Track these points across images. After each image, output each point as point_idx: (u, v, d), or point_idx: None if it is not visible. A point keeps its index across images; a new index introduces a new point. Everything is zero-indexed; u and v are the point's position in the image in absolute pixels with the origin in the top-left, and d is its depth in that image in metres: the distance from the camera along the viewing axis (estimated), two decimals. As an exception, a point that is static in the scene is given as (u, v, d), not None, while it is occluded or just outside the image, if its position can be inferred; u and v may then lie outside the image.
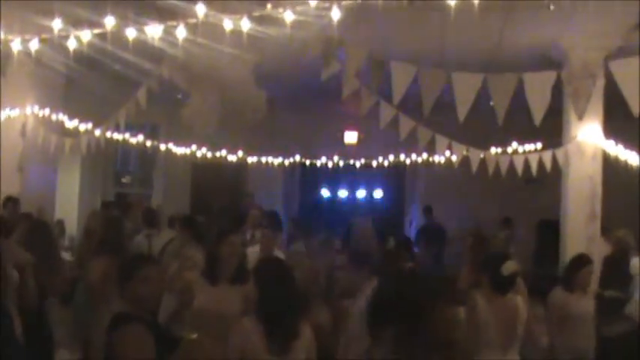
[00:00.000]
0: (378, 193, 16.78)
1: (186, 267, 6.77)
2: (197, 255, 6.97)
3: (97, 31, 5.52)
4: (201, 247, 7.47)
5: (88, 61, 7.31)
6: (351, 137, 16.01)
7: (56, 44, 6.08)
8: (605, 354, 7.80)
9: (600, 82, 7.60)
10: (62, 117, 11.12)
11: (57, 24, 5.59)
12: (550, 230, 10.92)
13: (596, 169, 9.64)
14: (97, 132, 10.86)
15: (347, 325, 5.45)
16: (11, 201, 10.35)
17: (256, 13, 5.18)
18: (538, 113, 6.44)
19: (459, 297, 2.62)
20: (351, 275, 6.04)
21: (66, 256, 12.37)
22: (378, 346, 2.50)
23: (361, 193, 16.60)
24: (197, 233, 8.59)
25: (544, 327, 8.57)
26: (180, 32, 5.37)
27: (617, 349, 7.79)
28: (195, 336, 5.17)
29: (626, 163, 10.25)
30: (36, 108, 11.01)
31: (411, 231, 15.98)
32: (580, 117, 6.86)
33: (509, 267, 6.13)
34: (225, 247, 6.10)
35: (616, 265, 8.36)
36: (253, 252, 8.92)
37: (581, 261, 7.56)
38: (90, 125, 11.01)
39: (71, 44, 5.71)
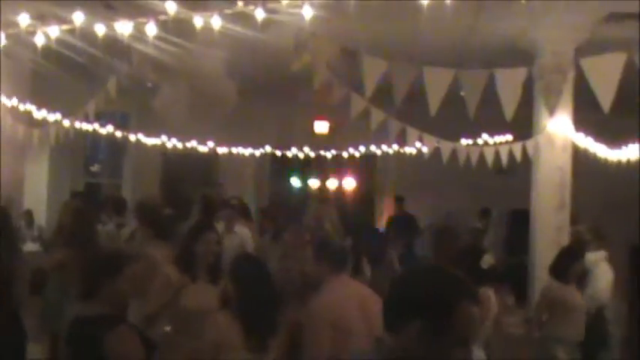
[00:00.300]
0: (349, 184, 16.77)
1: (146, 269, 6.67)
2: (157, 255, 6.87)
3: (65, 27, 5.44)
4: (164, 244, 7.36)
5: (56, 54, 7.20)
6: (321, 127, 15.99)
7: (23, 40, 5.99)
8: None
9: (570, 75, 7.63)
10: (30, 107, 10.97)
11: (24, 19, 5.51)
12: (521, 220, 10.97)
13: (565, 161, 9.70)
14: (66, 122, 10.74)
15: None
16: None
17: (228, 11, 5.14)
18: (509, 109, 6.48)
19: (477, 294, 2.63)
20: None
21: (34, 246, 12.32)
22: (396, 342, 2.45)
23: (332, 184, 16.58)
24: (160, 229, 8.40)
25: (515, 317, 8.69)
26: (151, 29, 5.31)
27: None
28: (168, 329, 5.16)
29: (595, 156, 10.33)
30: (3, 98, 10.84)
31: (382, 221, 16.03)
32: (551, 113, 6.92)
33: (487, 260, 6.22)
34: (201, 244, 6.04)
35: (571, 258, 8.46)
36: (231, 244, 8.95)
37: (576, 253, 7.85)
38: (59, 115, 10.88)
39: (39, 40, 5.63)
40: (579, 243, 8.72)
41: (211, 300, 5.70)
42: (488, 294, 6.63)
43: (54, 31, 5.54)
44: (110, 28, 5.42)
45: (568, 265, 7.62)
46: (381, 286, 5.46)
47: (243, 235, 9.63)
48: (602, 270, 8.43)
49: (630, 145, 9.81)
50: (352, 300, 5.07)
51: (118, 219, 10.28)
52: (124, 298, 4.55)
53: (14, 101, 10.86)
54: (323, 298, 5.06)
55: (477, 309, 2.55)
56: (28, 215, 13.33)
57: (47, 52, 6.43)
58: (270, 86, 13.73)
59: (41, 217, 13.99)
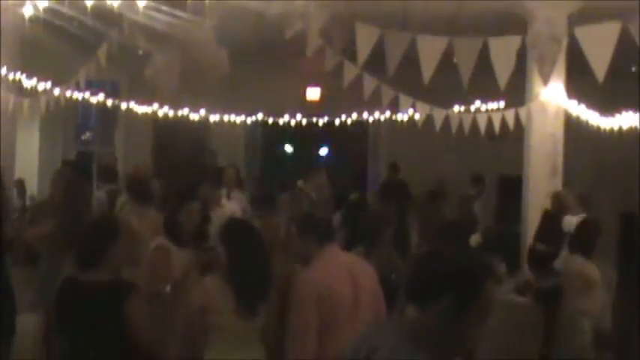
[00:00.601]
0: (342, 151, 16.75)
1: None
2: (144, 225, 6.93)
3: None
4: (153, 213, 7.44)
5: (45, 23, 7.13)
6: (313, 94, 15.92)
7: (11, 11, 5.92)
8: (543, 304, 8.05)
9: (563, 42, 7.59)
10: (20, 76, 10.86)
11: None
12: (512, 186, 11.00)
13: (558, 128, 9.71)
14: (57, 91, 10.66)
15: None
16: None
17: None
18: (503, 77, 6.46)
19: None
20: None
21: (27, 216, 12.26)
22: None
23: (324, 151, 16.58)
24: (147, 200, 8.43)
25: (506, 286, 8.73)
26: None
27: (550, 300, 7.99)
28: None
29: (587, 123, 10.32)
30: (-7, 67, 10.75)
31: (375, 188, 16.02)
32: (545, 82, 6.89)
33: (475, 240, 6.29)
34: (184, 213, 6.08)
35: (552, 221, 8.52)
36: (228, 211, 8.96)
37: (597, 227, 7.90)
38: (49, 84, 10.79)
39: (27, 11, 5.57)
40: (559, 207, 8.74)
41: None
42: None
43: (42, 2, 5.48)
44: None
45: (590, 239, 7.69)
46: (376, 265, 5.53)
47: (239, 202, 9.66)
48: None
49: (623, 113, 9.80)
50: (340, 271, 4.99)
51: (109, 186, 10.22)
52: (123, 263, 4.61)
53: (3, 70, 10.77)
54: (309, 273, 5.02)
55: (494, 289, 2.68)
56: (20, 184, 13.29)
57: (36, 21, 6.38)
58: (262, 53, 13.63)
59: (33, 187, 13.95)
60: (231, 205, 9.49)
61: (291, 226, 6.23)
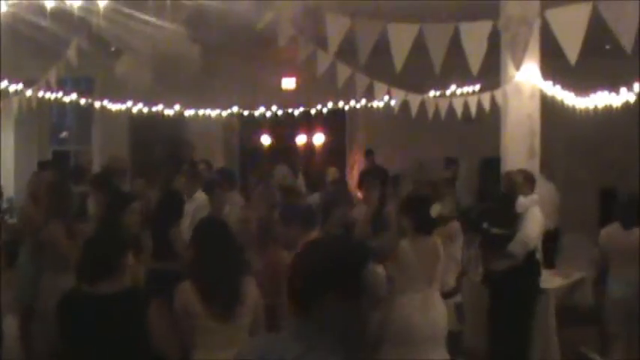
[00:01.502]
0: (319, 139, 16.70)
1: None
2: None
3: (12, 1, 5.29)
4: None
5: (8, 29, 7.03)
6: (288, 83, 15.88)
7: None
8: (492, 287, 8.10)
9: (537, 23, 7.56)
10: (-10, 79, 10.76)
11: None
12: (493, 168, 10.98)
13: (534, 109, 9.69)
14: (29, 92, 10.56)
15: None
16: None
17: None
18: (475, 62, 6.42)
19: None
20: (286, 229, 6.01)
21: (5, 218, 12.17)
22: (312, 321, 2.47)
23: (301, 140, 16.51)
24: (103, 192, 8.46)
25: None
26: (102, 1, 5.17)
27: (503, 283, 8.03)
28: None
29: (562, 103, 10.32)
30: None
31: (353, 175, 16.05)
32: (517, 67, 6.87)
33: (436, 209, 6.42)
34: (128, 215, 6.06)
35: (505, 203, 8.53)
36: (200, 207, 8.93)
37: (510, 198, 8.16)
38: (20, 85, 10.68)
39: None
40: (511, 188, 8.75)
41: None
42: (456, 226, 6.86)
43: (2, 5, 5.39)
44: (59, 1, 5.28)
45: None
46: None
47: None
48: (533, 214, 8.32)
49: (598, 93, 9.79)
50: None
51: (79, 187, 10.08)
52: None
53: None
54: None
55: (381, 268, 2.64)
56: (-3, 187, 13.17)
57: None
58: (234, 46, 13.57)
59: (9, 188, 13.82)
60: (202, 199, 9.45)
61: (275, 215, 6.28)
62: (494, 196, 9.08)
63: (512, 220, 8.25)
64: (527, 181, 8.62)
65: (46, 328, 6.35)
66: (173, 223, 7.08)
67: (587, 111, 10.01)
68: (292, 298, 2.54)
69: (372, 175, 11.99)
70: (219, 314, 4.60)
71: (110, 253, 4.57)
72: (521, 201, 8.38)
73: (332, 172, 13.37)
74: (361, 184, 12.91)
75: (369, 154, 15.13)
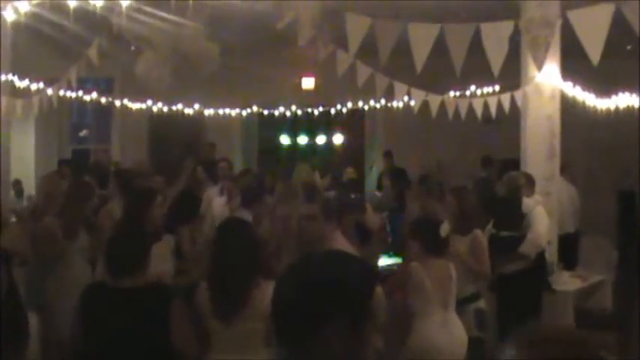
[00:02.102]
0: (338, 139, 16.70)
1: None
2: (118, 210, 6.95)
3: (35, 1, 5.32)
4: None
5: (29, 27, 7.07)
6: (308, 83, 15.89)
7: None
8: (503, 291, 8.05)
9: (557, 24, 7.52)
10: (12, 77, 10.80)
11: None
12: (512, 169, 10.93)
13: (554, 110, 9.66)
14: (49, 91, 10.60)
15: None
16: None
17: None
18: (496, 63, 6.39)
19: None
20: (319, 225, 6.04)
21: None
22: (299, 352, 2.11)
23: (321, 139, 16.53)
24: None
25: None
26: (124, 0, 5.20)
27: (514, 286, 8.00)
28: None
29: (583, 104, 10.28)
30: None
31: (372, 175, 16.04)
32: (539, 68, 6.82)
33: (445, 229, 6.40)
34: (152, 209, 6.07)
35: (509, 205, 8.52)
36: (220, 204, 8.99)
37: (513, 200, 8.33)
38: (41, 84, 10.73)
39: (8, 15, 5.52)
40: (514, 190, 8.72)
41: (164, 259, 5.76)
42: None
43: (23, 5, 5.42)
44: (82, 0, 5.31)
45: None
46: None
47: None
48: (538, 214, 8.41)
49: (619, 94, 9.75)
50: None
51: (100, 191, 10.10)
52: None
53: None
54: None
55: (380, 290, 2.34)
56: (18, 185, 13.25)
57: (18, 26, 6.32)
58: (254, 45, 13.58)
59: (30, 187, 13.89)
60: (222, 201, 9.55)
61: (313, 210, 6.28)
62: (499, 199, 9.06)
63: (519, 222, 8.26)
64: (529, 182, 8.69)
65: (56, 324, 6.42)
66: (184, 222, 7.07)
67: (607, 112, 9.96)
68: (282, 326, 2.16)
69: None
70: (223, 315, 4.60)
71: (133, 248, 4.63)
72: (526, 202, 8.41)
73: (349, 172, 13.38)
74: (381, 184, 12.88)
75: (387, 155, 15.10)
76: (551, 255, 9.02)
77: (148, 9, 5.86)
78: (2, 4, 5.63)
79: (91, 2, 5.17)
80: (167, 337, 4.40)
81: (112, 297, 4.53)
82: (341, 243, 5.69)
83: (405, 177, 13.85)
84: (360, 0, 8.34)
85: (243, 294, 4.59)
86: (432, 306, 6.06)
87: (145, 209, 6.13)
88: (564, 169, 10.56)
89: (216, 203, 9.62)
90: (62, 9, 5.81)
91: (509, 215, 8.38)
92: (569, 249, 10.40)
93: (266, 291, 4.66)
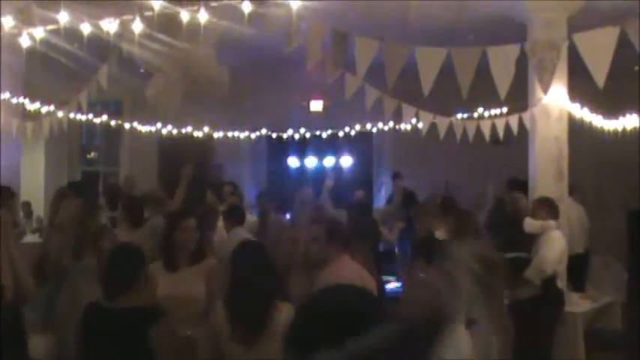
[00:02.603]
0: (346, 161, 16.72)
1: None
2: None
3: (50, 27, 5.40)
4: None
5: (43, 54, 7.16)
6: (316, 106, 15.96)
7: (8, 42, 5.96)
8: (516, 317, 7.98)
9: (564, 46, 7.57)
10: (23, 100, 10.92)
11: (8, 21, 5.46)
12: (516, 188, 10.93)
13: (561, 131, 9.68)
14: (60, 114, 10.71)
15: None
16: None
17: (214, 4, 5.09)
18: (503, 86, 6.44)
19: None
20: (325, 247, 6.04)
21: (33, 238, 12.30)
22: None
23: (329, 162, 16.54)
24: (134, 216, 8.61)
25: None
26: (137, 26, 5.27)
27: (526, 313, 7.91)
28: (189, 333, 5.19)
29: (591, 125, 10.30)
30: (-5, 93, 10.80)
31: (381, 196, 16.03)
32: (545, 90, 6.87)
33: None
34: (180, 233, 6.02)
35: (514, 227, 8.45)
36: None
37: (517, 221, 8.26)
38: (52, 107, 10.84)
39: (24, 42, 5.60)
40: (517, 211, 8.68)
41: (194, 286, 5.75)
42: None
43: (39, 31, 5.51)
44: (96, 27, 5.39)
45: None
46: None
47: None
48: (549, 239, 8.18)
49: (627, 115, 9.77)
50: (355, 276, 5.37)
51: (111, 213, 10.19)
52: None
53: (7, 95, 10.81)
54: (331, 273, 5.25)
55: None
56: (27, 207, 13.31)
57: (33, 51, 6.41)
58: (263, 68, 13.67)
59: (39, 208, 13.97)
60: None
61: (318, 231, 6.27)
62: (504, 220, 9.04)
63: (524, 242, 8.20)
64: (544, 207, 8.48)
65: (65, 345, 6.46)
66: None
67: (615, 133, 9.98)
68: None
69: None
70: (242, 338, 4.61)
71: (127, 269, 4.66)
72: (528, 222, 8.31)
73: (358, 195, 13.38)
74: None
75: (396, 176, 15.07)
76: (563, 280, 8.64)
77: (159, 34, 5.92)
78: (18, 31, 5.72)
79: (104, 28, 5.24)
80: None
81: (106, 317, 4.58)
82: (348, 266, 5.67)
83: (414, 199, 13.87)
84: (367, 23, 8.43)
85: (264, 316, 4.59)
86: None
87: (171, 234, 6.11)
88: (573, 190, 10.55)
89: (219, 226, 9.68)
90: (73, 34, 5.88)
91: (511, 236, 8.36)
92: (578, 270, 10.36)
93: (283, 312, 4.70)
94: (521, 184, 10.42)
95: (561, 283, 8.35)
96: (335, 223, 6.15)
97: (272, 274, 4.86)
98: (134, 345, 4.43)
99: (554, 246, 8.16)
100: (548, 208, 8.43)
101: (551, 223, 8.27)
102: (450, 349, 6.06)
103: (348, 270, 5.49)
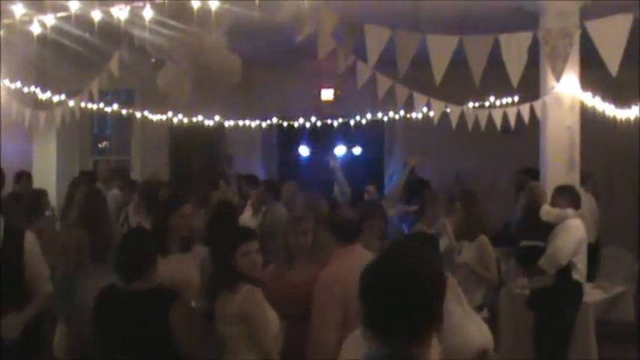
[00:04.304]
0: (358, 150, 16.70)
1: None
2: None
3: (60, 14, 5.41)
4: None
5: (54, 41, 7.17)
6: (327, 94, 15.94)
7: (19, 29, 5.97)
8: (534, 306, 7.96)
9: (576, 34, 7.52)
10: (35, 89, 10.96)
11: (19, 9, 5.47)
12: (529, 177, 10.89)
13: (573, 120, 9.64)
14: (71, 103, 10.73)
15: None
16: (25, 175, 10.43)
17: (225, -10, 5.09)
18: (515, 74, 6.40)
19: None
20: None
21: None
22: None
23: (340, 150, 16.50)
24: (149, 202, 8.66)
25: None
26: (147, 13, 5.28)
27: (541, 302, 7.91)
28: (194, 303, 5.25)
29: (603, 114, 10.25)
30: (7, 81, 10.84)
31: (391, 185, 15.99)
32: (557, 78, 6.84)
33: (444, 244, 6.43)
34: (177, 218, 6.04)
35: (531, 216, 8.40)
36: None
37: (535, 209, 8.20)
38: (63, 96, 10.87)
39: (35, 29, 5.61)
40: (535, 200, 8.63)
41: (185, 272, 5.77)
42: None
43: (49, 19, 5.51)
44: (106, 13, 5.39)
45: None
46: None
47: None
48: (564, 228, 8.06)
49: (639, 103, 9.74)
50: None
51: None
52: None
53: (18, 84, 10.86)
54: (334, 269, 5.19)
55: None
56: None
57: (44, 39, 6.41)
58: (274, 57, 13.65)
59: (51, 198, 14.00)
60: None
61: (321, 225, 6.26)
62: (525, 209, 9.00)
63: (541, 231, 8.13)
64: (564, 195, 8.37)
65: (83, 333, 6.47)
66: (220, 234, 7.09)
67: (627, 122, 9.93)
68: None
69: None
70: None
71: (142, 252, 4.70)
72: (545, 210, 8.23)
73: (370, 191, 13.29)
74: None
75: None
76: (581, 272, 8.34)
77: (170, 21, 5.91)
78: (29, 19, 5.72)
79: (115, 15, 5.24)
80: (169, 339, 4.47)
81: (121, 299, 4.62)
82: (358, 255, 5.61)
83: (427, 187, 13.80)
84: (379, 12, 8.40)
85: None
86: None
87: (167, 218, 6.13)
88: (584, 180, 10.49)
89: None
90: (84, 22, 5.88)
91: (528, 224, 8.33)
92: (589, 260, 10.32)
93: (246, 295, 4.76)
94: (534, 174, 10.39)
95: (578, 274, 8.15)
96: (338, 213, 6.08)
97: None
98: (153, 325, 4.48)
99: (570, 236, 8.03)
100: (568, 196, 8.30)
101: (569, 212, 8.13)
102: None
103: (355, 260, 5.42)
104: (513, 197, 12.91)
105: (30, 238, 5.28)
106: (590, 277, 9.86)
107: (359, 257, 5.18)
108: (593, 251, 11.23)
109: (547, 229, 8.11)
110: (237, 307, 4.72)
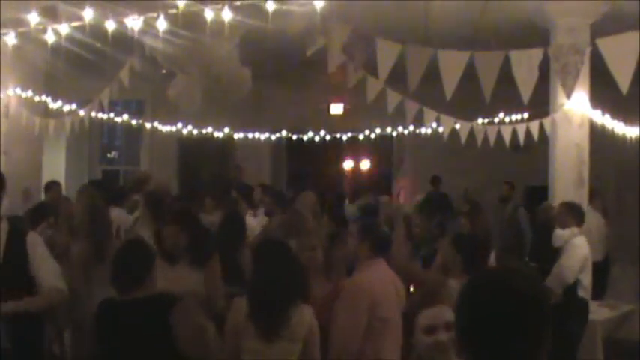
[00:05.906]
0: (366, 165, 16.72)
1: None
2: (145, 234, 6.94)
3: (75, 24, 5.44)
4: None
5: (67, 50, 7.20)
6: (337, 109, 15.96)
7: (33, 38, 6.00)
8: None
9: (587, 51, 7.53)
10: (45, 98, 11.00)
11: (34, 18, 5.51)
12: (540, 196, 10.87)
13: (582, 138, 9.63)
14: (82, 112, 10.77)
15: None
16: (54, 185, 10.43)
17: (237, 2, 5.10)
18: (525, 90, 6.40)
19: None
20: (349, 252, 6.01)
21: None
22: None
23: (348, 165, 16.54)
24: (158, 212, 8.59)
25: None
26: (161, 23, 5.30)
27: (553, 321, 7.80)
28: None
29: (612, 132, 10.24)
30: (18, 90, 10.88)
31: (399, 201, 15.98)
32: (568, 95, 6.82)
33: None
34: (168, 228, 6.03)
35: (543, 237, 8.35)
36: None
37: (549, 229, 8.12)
38: (74, 106, 10.91)
39: (49, 38, 5.64)
40: (549, 221, 8.57)
41: (189, 284, 5.74)
42: None
43: (64, 28, 5.55)
44: (120, 24, 5.41)
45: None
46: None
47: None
48: (571, 247, 8.02)
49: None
50: (388, 282, 5.36)
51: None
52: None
53: (29, 93, 10.91)
54: (363, 277, 5.31)
55: None
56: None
57: (58, 48, 6.45)
58: (284, 70, 13.69)
59: (60, 207, 14.03)
60: (254, 222, 9.65)
61: (354, 229, 6.24)
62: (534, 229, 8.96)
63: (549, 253, 8.08)
64: (571, 213, 8.30)
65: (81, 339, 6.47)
66: (238, 246, 7.05)
67: (636, 139, 9.91)
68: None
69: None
70: (262, 334, 4.60)
71: (139, 262, 4.67)
72: (559, 233, 8.16)
73: (384, 202, 13.25)
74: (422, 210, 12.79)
75: (434, 181, 14.88)
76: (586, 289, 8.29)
77: (182, 32, 5.94)
78: (43, 27, 5.76)
79: (128, 25, 5.27)
80: (172, 344, 4.44)
81: (122, 310, 4.59)
82: (380, 271, 5.60)
83: (445, 204, 13.74)
84: (390, 27, 8.41)
85: (284, 315, 4.59)
86: None
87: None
88: (592, 198, 10.46)
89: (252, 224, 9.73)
90: (96, 31, 5.91)
91: (537, 246, 8.27)
92: (597, 277, 10.28)
93: (304, 314, 4.69)
94: (536, 190, 10.36)
95: (584, 291, 8.12)
96: (371, 224, 6.07)
97: (296, 274, 4.85)
98: (155, 333, 4.44)
99: (575, 254, 8.01)
100: (574, 213, 8.25)
101: (574, 230, 8.11)
102: None
103: (384, 274, 5.46)
104: (493, 210, 12.89)
105: (32, 237, 5.29)
106: (599, 294, 9.81)
107: (384, 269, 5.41)
108: (602, 269, 11.20)
109: (552, 250, 8.11)
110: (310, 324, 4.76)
